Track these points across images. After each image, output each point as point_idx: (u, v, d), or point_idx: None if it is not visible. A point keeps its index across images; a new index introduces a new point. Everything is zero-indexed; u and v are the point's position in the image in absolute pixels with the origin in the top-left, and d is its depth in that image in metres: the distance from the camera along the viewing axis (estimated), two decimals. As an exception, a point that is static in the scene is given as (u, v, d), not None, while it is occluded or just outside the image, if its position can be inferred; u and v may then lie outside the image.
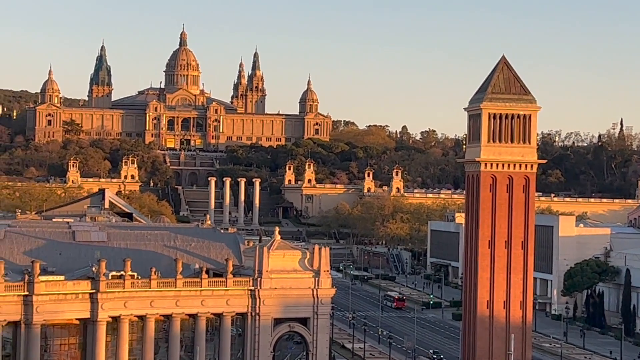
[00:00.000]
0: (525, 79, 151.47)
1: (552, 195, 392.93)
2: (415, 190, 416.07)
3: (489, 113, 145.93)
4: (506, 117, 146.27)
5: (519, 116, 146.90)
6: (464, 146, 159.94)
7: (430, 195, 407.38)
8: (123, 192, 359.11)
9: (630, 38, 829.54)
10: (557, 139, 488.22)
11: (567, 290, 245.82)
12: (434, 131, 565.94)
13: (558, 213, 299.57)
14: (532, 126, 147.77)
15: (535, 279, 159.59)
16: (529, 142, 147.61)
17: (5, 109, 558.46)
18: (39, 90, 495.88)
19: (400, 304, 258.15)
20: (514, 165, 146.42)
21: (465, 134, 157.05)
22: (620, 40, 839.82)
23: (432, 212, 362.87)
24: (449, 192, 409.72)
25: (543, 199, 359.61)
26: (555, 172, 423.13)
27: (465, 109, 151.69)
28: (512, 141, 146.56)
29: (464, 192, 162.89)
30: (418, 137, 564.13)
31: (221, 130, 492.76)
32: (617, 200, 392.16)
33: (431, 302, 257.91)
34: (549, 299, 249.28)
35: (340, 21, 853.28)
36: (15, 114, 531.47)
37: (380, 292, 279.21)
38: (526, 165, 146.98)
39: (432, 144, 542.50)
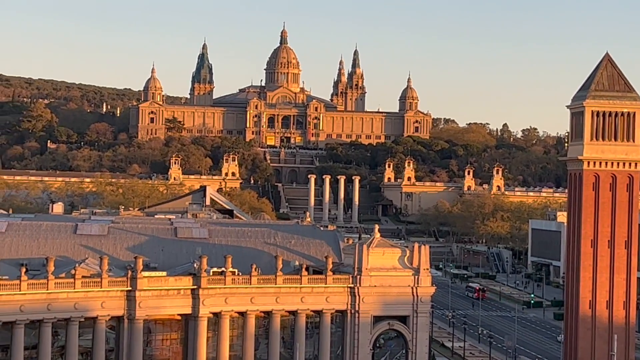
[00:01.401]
0: (630, 75, 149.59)
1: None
2: (516, 189, 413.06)
3: (592, 111, 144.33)
4: (609, 114, 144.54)
5: (622, 114, 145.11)
6: (566, 144, 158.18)
7: (531, 193, 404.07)
8: (224, 189, 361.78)
9: None
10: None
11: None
12: (536, 129, 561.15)
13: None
14: (636, 124, 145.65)
15: (638, 278, 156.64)
16: (633, 140, 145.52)
17: (109, 107, 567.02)
18: (142, 89, 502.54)
19: (482, 294, 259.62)
20: (618, 163, 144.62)
21: (568, 132, 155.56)
22: None
23: (533, 210, 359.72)
24: (551, 190, 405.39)
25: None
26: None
27: (567, 106, 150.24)
28: (615, 139, 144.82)
29: (566, 190, 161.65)
30: (519, 135, 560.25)
31: (321, 128, 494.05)
32: None
33: (532, 302, 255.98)
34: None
35: (440, 18, 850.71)
36: (118, 111, 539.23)
37: (461, 283, 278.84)
38: (630, 164, 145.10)
39: (534, 141, 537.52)
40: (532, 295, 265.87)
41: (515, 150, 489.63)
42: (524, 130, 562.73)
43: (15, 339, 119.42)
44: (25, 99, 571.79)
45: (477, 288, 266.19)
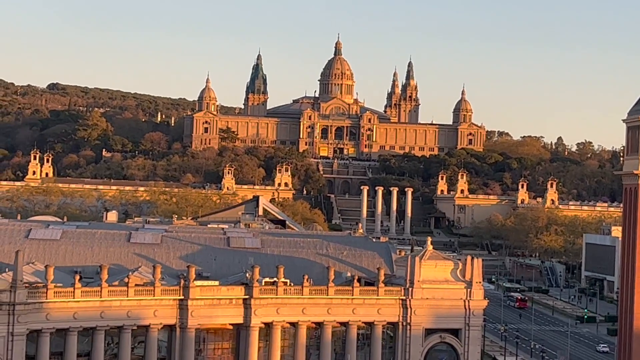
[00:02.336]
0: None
1: None
2: (570, 203, 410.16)
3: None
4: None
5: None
6: (622, 158, 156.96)
7: (585, 207, 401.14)
8: (276, 199, 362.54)
9: None
10: None
11: None
12: (591, 142, 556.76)
13: None
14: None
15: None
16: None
17: (163, 116, 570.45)
18: (196, 98, 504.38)
19: (523, 304, 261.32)
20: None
21: (623, 146, 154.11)
22: None
23: (588, 224, 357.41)
24: (605, 204, 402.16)
25: None
26: None
27: (623, 120, 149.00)
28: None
29: (621, 205, 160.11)
30: (574, 148, 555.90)
31: (374, 139, 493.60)
32: None
33: (585, 317, 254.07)
34: None
35: (495, 31, 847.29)
36: (173, 121, 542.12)
37: (504, 292, 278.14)
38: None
39: (589, 155, 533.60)
40: (586, 310, 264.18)
41: (570, 164, 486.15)
42: (578, 143, 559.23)
43: (68, 346, 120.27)
44: (81, 107, 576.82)
45: (519, 298, 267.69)
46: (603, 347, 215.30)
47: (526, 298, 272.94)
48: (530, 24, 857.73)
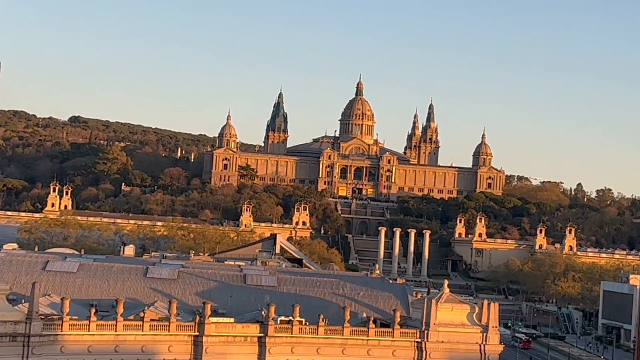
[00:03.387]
0: None
1: None
2: (589, 249, 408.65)
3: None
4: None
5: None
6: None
7: (604, 254, 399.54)
8: (294, 237, 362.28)
9: None
10: None
11: None
12: (610, 190, 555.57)
13: None
14: None
15: None
16: None
17: (183, 152, 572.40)
18: (217, 135, 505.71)
19: (527, 345, 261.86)
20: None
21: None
22: None
23: (606, 272, 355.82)
24: (624, 252, 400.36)
25: None
26: None
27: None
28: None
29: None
30: (593, 195, 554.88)
31: (393, 181, 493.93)
32: None
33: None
34: None
35: (517, 75, 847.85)
36: (193, 157, 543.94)
37: (512, 335, 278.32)
38: None
39: (608, 202, 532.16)
40: (602, 358, 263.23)
41: (589, 211, 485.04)
42: (598, 190, 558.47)
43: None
44: (102, 141, 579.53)
45: (523, 339, 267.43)
46: None
47: (530, 339, 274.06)
48: (551, 71, 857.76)
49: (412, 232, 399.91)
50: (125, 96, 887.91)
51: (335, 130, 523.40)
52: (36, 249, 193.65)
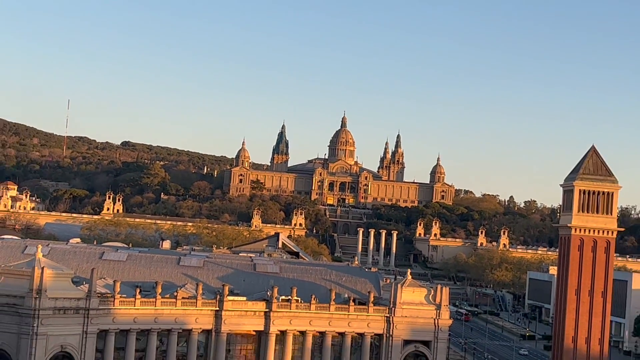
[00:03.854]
0: (610, 161, 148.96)
1: (627, 256, 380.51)
2: (518, 247, 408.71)
3: (579, 189, 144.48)
4: (593, 193, 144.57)
5: (603, 193, 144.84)
6: (559, 214, 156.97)
7: (529, 251, 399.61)
8: (292, 235, 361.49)
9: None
10: (633, 212, 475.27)
11: (636, 332, 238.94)
12: (535, 201, 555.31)
13: (632, 271, 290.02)
14: (613, 201, 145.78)
15: (611, 321, 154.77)
16: (611, 214, 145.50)
17: (209, 169, 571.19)
18: (234, 156, 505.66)
19: (467, 318, 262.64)
20: (598, 231, 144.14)
21: (560, 205, 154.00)
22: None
23: (531, 264, 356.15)
24: (545, 249, 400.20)
25: (620, 259, 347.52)
26: (631, 238, 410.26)
27: (561, 185, 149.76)
28: (597, 212, 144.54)
29: (557, 250, 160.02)
30: (522, 205, 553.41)
31: (369, 193, 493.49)
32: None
33: (527, 335, 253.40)
34: (622, 338, 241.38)
35: (463, 110, 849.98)
36: (216, 173, 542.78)
37: (455, 309, 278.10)
38: (608, 232, 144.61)
39: (533, 211, 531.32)
40: (527, 330, 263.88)
41: (519, 217, 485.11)
42: (525, 201, 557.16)
43: (128, 343, 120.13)
44: (146, 160, 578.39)
45: (464, 313, 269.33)
46: (523, 351, 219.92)
47: (469, 313, 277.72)
48: (489, 108, 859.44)
49: (383, 232, 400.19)
50: (164, 125, 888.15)
51: (325, 154, 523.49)
52: (94, 243, 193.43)
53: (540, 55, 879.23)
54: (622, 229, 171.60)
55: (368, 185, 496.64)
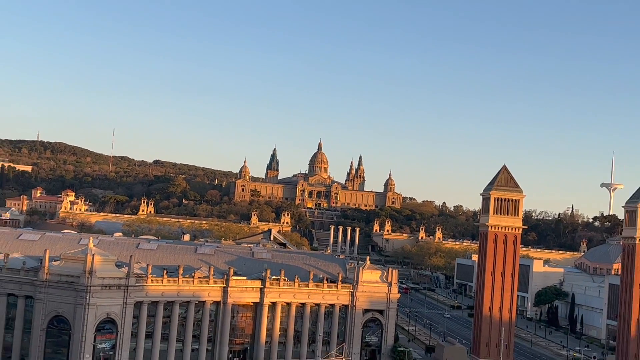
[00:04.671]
0: (517, 176, 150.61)
1: (530, 247, 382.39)
2: (449, 240, 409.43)
3: (494, 197, 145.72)
4: (504, 200, 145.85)
5: (512, 200, 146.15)
6: (479, 215, 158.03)
7: (457, 243, 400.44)
8: (281, 231, 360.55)
9: (584, 153, 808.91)
10: (534, 214, 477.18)
11: (536, 303, 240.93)
12: (461, 205, 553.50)
13: (533, 258, 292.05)
14: (519, 206, 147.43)
15: (518, 295, 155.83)
16: (517, 215, 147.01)
17: (219, 181, 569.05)
18: (238, 171, 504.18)
19: (406, 290, 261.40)
20: (508, 228, 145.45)
21: (480, 208, 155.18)
22: (580, 156, 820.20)
23: (458, 253, 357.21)
24: (469, 241, 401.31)
25: (524, 249, 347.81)
26: (532, 233, 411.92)
27: (481, 194, 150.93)
28: (507, 214, 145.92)
29: (478, 242, 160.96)
30: (452, 208, 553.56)
31: (338, 199, 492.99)
32: (568, 253, 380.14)
33: (455, 305, 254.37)
34: (525, 308, 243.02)
35: (409, 143, 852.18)
36: (224, 184, 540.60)
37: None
38: (515, 229, 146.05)
39: (460, 213, 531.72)
40: (456, 301, 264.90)
41: (449, 217, 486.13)
42: (454, 206, 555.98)
43: (158, 311, 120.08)
44: (171, 174, 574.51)
45: (405, 287, 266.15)
46: (447, 315, 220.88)
47: (408, 288, 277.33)
48: (429, 135, 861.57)
49: (349, 229, 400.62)
50: (186, 147, 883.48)
51: (306, 170, 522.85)
52: (132, 236, 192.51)
53: (464, 94, 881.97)
54: (526, 227, 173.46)
55: (337, 194, 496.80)
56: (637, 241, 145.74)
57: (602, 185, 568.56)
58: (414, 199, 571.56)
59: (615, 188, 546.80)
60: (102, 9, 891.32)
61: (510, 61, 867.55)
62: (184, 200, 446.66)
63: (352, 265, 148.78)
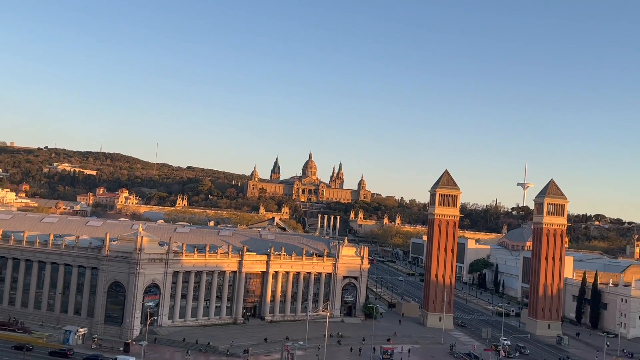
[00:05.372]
0: (456, 177, 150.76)
1: (465, 230, 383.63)
2: (406, 225, 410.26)
3: (439, 193, 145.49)
4: (446, 195, 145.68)
5: (451, 195, 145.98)
6: (428, 207, 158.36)
7: (412, 227, 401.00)
8: (282, 218, 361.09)
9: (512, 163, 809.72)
10: (468, 205, 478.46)
11: (470, 271, 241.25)
12: (415, 199, 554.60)
13: (467, 238, 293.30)
14: (457, 200, 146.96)
15: (456, 265, 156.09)
16: (456, 206, 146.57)
17: (235, 182, 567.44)
18: (249, 174, 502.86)
19: (372, 261, 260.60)
20: (449, 216, 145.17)
21: (429, 201, 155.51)
22: (507, 160, 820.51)
23: (413, 234, 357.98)
24: (420, 226, 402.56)
25: (461, 232, 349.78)
26: (467, 220, 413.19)
27: (429, 191, 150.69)
28: (448, 206, 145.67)
29: (427, 226, 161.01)
30: (408, 201, 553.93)
31: (324, 195, 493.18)
32: (493, 234, 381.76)
33: (410, 273, 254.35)
34: (462, 275, 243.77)
35: (377, 153, 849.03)
36: (239, 184, 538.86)
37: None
38: (454, 217, 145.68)
39: (414, 205, 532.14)
40: (411, 270, 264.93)
41: (406, 208, 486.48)
42: (410, 200, 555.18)
43: (190, 278, 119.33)
44: (200, 177, 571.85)
45: (372, 259, 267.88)
46: (401, 279, 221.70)
47: (374, 259, 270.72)
48: (394, 145, 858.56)
49: (332, 217, 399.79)
50: (212, 155, 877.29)
51: (300, 174, 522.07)
52: (171, 222, 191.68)
53: (417, 110, 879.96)
54: (462, 215, 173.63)
55: (323, 191, 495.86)
56: (542, 225, 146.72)
57: (518, 184, 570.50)
58: (380, 194, 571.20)
59: (528, 186, 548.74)
60: (141, 49, 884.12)
61: (453, 82, 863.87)
62: (209, 196, 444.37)
63: (334, 243, 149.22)
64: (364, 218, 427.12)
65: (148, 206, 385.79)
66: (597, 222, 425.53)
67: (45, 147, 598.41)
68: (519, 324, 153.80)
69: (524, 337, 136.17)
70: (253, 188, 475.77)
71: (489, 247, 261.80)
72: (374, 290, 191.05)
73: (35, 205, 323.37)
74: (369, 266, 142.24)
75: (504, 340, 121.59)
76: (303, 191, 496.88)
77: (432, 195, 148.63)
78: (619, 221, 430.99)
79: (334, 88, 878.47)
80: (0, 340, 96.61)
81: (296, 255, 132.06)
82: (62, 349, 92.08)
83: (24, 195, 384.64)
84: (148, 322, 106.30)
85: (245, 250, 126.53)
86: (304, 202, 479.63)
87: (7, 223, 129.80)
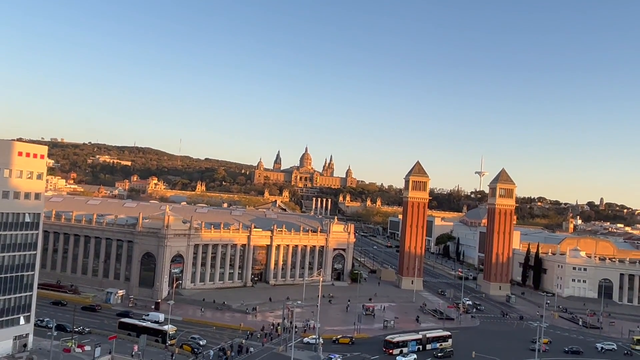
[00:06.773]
0: (426, 166, 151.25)
1: (432, 210, 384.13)
2: (385, 206, 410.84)
3: (412, 180, 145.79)
4: (418, 182, 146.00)
5: (422, 182, 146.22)
6: (403, 191, 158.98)
7: (390, 208, 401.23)
8: (282, 201, 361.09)
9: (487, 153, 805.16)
10: (436, 189, 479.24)
11: (437, 243, 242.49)
12: (392, 185, 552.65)
13: (435, 217, 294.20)
14: (427, 185, 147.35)
15: (426, 239, 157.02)
16: (425, 191, 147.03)
17: (244, 171, 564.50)
18: (255, 164, 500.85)
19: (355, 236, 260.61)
20: (420, 199, 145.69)
21: (404, 186, 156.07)
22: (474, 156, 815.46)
23: (391, 214, 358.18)
24: (397, 207, 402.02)
25: (430, 211, 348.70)
26: (434, 202, 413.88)
27: (404, 178, 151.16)
28: (419, 190, 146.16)
29: (402, 207, 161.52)
30: (387, 187, 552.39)
31: (318, 182, 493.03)
32: (455, 213, 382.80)
33: (389, 245, 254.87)
34: (430, 246, 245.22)
35: (361, 147, 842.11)
36: (248, 172, 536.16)
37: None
38: (424, 199, 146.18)
39: (392, 190, 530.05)
40: (389, 243, 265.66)
41: (385, 193, 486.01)
42: (389, 185, 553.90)
43: (208, 250, 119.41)
44: (216, 166, 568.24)
45: (357, 234, 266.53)
46: (380, 250, 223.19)
47: (359, 235, 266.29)
48: (379, 139, 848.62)
49: (324, 200, 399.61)
50: (226, 148, 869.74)
51: (298, 164, 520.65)
52: (192, 204, 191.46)
53: (396, 106, 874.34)
54: (430, 198, 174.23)
55: (317, 178, 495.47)
56: (495, 206, 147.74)
57: (476, 172, 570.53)
58: (364, 181, 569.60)
59: (484, 174, 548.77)
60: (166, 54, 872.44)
61: (431, 78, 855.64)
62: (223, 182, 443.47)
63: (326, 222, 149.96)
64: (351, 200, 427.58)
65: (173, 191, 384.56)
66: (539, 203, 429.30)
67: (89, 142, 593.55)
68: (475, 285, 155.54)
69: (479, 296, 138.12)
70: (259, 176, 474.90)
71: (452, 224, 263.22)
72: (359, 259, 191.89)
73: (82, 190, 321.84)
74: (354, 240, 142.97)
75: (466, 300, 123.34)
76: (300, 178, 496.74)
77: (407, 182, 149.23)
78: (557, 202, 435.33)
79: (327, 92, 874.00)
80: (51, 298, 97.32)
81: (295, 231, 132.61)
82: (91, 305, 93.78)
83: (72, 182, 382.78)
84: (174, 286, 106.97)
85: (252, 227, 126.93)
86: (301, 187, 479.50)
87: (59, 205, 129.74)
